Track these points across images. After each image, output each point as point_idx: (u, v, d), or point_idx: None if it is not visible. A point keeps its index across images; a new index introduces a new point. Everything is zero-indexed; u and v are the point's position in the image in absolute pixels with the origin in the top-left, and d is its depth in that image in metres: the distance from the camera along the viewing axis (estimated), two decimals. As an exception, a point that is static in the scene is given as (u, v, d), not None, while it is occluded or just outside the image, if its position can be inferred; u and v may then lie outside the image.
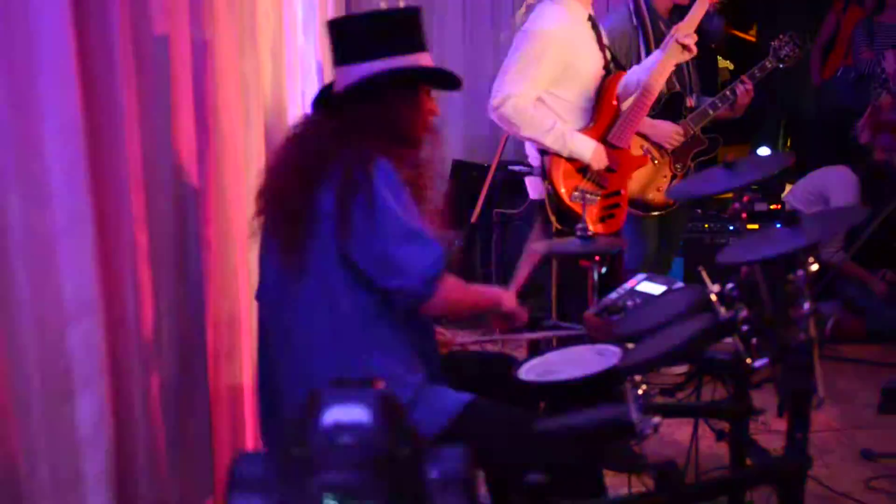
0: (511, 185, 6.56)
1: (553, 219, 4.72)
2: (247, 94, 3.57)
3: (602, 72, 4.86)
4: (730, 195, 6.78)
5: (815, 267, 2.58)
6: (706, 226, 6.57)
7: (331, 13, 5.74)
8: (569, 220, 4.64)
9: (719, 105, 5.25)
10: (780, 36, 5.24)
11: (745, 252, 2.72)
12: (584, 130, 4.81)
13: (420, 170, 3.09)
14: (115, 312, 2.37)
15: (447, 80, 3.11)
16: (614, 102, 4.85)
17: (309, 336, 2.89)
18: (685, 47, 4.79)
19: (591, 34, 4.84)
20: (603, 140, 4.82)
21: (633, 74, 4.96)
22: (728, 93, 5.24)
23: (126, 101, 2.48)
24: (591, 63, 4.83)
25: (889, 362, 5.76)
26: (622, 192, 4.92)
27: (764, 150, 7.18)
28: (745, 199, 3.20)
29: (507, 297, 3.24)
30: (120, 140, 2.44)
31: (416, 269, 2.84)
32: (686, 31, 4.80)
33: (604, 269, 3.79)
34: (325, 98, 3.11)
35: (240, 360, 3.32)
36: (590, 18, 4.84)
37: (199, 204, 3.09)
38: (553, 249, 4.35)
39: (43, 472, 2.19)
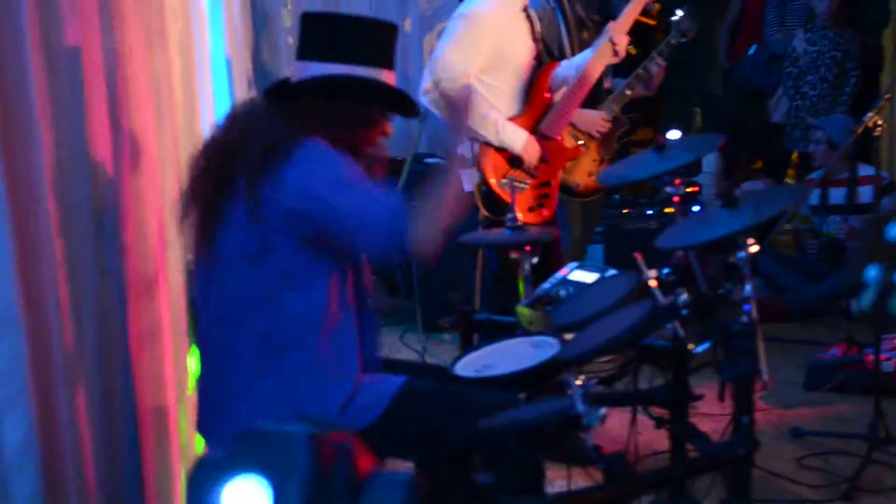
0: (426, 177, 6.49)
1: (481, 206, 4.66)
2: (158, 94, 3.46)
3: (534, 62, 4.84)
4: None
5: (755, 248, 2.56)
6: (625, 211, 6.57)
7: (237, 10, 5.64)
8: (497, 208, 4.59)
9: (635, 84, 5.24)
10: (677, 11, 5.26)
11: (684, 236, 2.69)
12: (516, 119, 4.78)
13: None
14: (37, 327, 2.25)
15: (405, 106, 2.99)
16: (546, 93, 4.84)
17: (237, 318, 2.80)
18: (615, 50, 4.78)
19: (525, 25, 4.82)
20: (535, 130, 4.79)
21: (562, 70, 4.94)
22: (642, 71, 5.23)
23: (39, 109, 2.36)
24: (523, 52, 4.80)
25: (810, 340, 5.80)
26: (552, 182, 4.90)
27: (675, 133, 7.25)
28: (677, 182, 3.16)
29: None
30: (34, 147, 2.32)
31: (378, 217, 2.68)
32: (619, 32, 4.81)
33: (535, 260, 3.74)
34: (276, 89, 2.98)
35: (162, 371, 3.22)
36: (524, 9, 4.82)
37: (116, 208, 2.97)
38: (483, 240, 4.30)
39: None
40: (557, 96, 4.89)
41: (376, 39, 2.94)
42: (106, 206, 2.91)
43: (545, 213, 4.85)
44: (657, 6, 4.99)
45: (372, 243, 2.72)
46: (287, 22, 7.58)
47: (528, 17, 4.85)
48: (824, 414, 4.85)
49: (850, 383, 5.01)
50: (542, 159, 4.81)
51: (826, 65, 7.03)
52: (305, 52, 2.93)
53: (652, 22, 5.13)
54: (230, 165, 2.80)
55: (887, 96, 4.27)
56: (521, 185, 4.71)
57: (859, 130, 4.30)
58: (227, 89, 5.11)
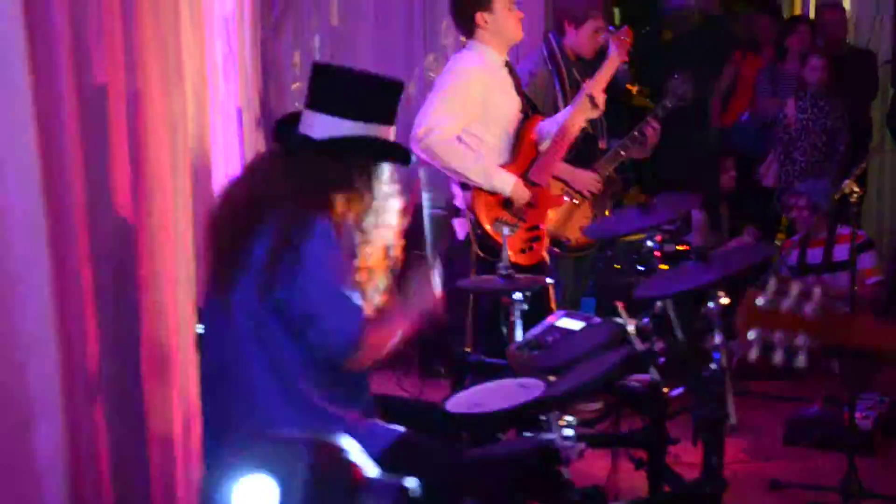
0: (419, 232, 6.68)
1: (477, 249, 4.86)
2: (174, 138, 3.63)
3: (520, 114, 5.07)
4: (641, 236, 7.03)
5: (725, 300, 2.75)
6: (616, 266, 6.76)
7: (248, 60, 5.84)
8: (492, 250, 4.76)
9: (630, 146, 5.45)
10: (675, 76, 5.48)
11: (659, 287, 2.89)
12: (504, 167, 4.99)
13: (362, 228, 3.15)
14: (66, 348, 2.45)
15: (400, 156, 3.23)
16: (533, 144, 5.08)
17: (244, 374, 2.99)
18: (594, 104, 5.02)
19: (508, 79, 5.05)
20: (523, 177, 5.00)
21: (546, 125, 5.16)
22: (637, 133, 5.44)
23: (71, 148, 2.57)
24: (509, 106, 5.03)
25: (792, 396, 5.96)
26: (541, 226, 5.11)
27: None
28: (658, 238, 3.36)
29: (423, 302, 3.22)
30: (68, 184, 2.53)
31: (340, 335, 2.97)
32: (596, 88, 5.06)
33: (525, 306, 3.92)
34: (288, 133, 3.21)
35: (170, 398, 3.38)
36: (506, 64, 5.05)
37: (134, 244, 3.16)
38: (476, 286, 4.50)
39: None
40: (542, 147, 5.12)
41: (384, 97, 3.18)
42: (126, 243, 3.10)
43: (535, 255, 5.04)
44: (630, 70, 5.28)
45: (326, 350, 3.00)
46: (296, 70, 7.78)
47: (511, 71, 5.07)
48: (803, 467, 5.00)
49: (827, 439, 5.15)
50: (531, 204, 5.01)
51: (816, 132, 7.23)
52: (316, 103, 3.16)
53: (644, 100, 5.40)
54: (251, 225, 3.02)
55: (862, 165, 4.47)
56: (512, 227, 4.89)
57: (837, 196, 4.49)
58: (237, 134, 5.31)
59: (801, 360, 1.81)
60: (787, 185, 7.35)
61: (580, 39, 5.64)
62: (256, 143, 5.53)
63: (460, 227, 5.08)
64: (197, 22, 4.11)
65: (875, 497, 4.43)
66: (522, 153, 5.05)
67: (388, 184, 3.19)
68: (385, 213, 3.17)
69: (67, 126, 2.57)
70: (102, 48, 2.89)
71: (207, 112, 4.36)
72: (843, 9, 8.24)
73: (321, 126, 3.12)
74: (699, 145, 7.88)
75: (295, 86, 7.57)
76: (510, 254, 4.10)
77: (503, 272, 4.00)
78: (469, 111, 4.87)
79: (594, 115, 5.14)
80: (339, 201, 3.03)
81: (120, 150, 3.05)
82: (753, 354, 1.84)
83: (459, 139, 4.86)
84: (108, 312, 2.81)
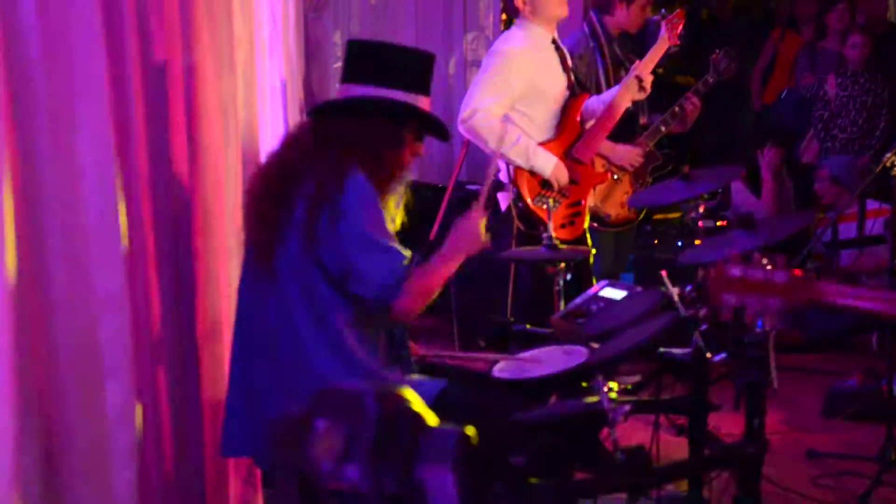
0: (467, 203, 6.73)
1: (518, 222, 4.96)
2: (226, 115, 3.74)
3: (566, 92, 5.15)
4: (678, 214, 7.09)
5: (769, 266, 2.81)
6: (655, 241, 6.83)
7: (292, 40, 5.93)
8: (532, 223, 4.93)
9: (670, 121, 5.50)
10: (717, 51, 5.52)
11: (703, 254, 2.96)
12: (549, 143, 5.08)
13: (392, 185, 3.23)
14: (135, 309, 2.58)
15: (435, 127, 3.27)
16: (578, 121, 5.16)
17: (294, 337, 3.08)
18: (641, 86, 5.12)
19: (555, 56, 5.13)
20: (566, 154, 5.09)
21: (592, 103, 5.26)
22: (677, 109, 5.49)
23: (136, 120, 2.69)
24: (555, 83, 5.12)
25: (827, 370, 6.02)
26: (582, 202, 5.19)
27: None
28: (702, 208, 3.43)
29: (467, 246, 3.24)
30: (133, 153, 2.65)
31: (375, 279, 3.02)
32: (645, 69, 5.16)
33: (569, 276, 4.01)
34: (320, 108, 3.32)
35: (222, 364, 3.49)
36: (553, 42, 5.12)
37: (190, 216, 3.27)
38: (522, 257, 4.58)
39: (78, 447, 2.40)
40: (587, 125, 5.21)
41: (414, 66, 3.22)
42: (182, 214, 3.21)
43: (576, 229, 5.14)
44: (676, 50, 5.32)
45: (365, 300, 3.05)
46: (337, 51, 7.89)
47: (558, 48, 5.14)
48: (840, 439, 5.04)
49: (866, 412, 5.19)
50: (573, 181, 5.10)
51: (857, 109, 7.26)
52: (348, 75, 3.24)
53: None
54: (288, 189, 3.09)
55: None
56: (555, 204, 4.99)
57: (878, 169, 4.53)
58: (281, 113, 5.41)
59: (770, 321, 1.99)
60: (828, 161, 7.39)
61: (631, 15, 5.69)
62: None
63: (503, 200, 5.16)
64: (246, 4, 4.21)
65: (914, 467, 4.48)
66: (568, 130, 5.13)
67: (415, 151, 3.23)
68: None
69: (134, 101, 2.69)
70: (162, 29, 3.01)
71: (255, 92, 4.46)
72: (885, -14, 8.25)
73: (351, 93, 3.19)
74: (740, 122, 7.94)
75: (336, 66, 7.68)
76: (551, 228, 4.17)
77: (547, 242, 4.08)
78: (514, 91, 4.95)
79: (640, 96, 5.23)
80: (369, 157, 3.09)
81: (178, 126, 3.16)
82: (725, 315, 2.11)
83: (506, 118, 4.93)
84: (168, 279, 2.93)
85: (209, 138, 3.47)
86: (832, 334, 6.35)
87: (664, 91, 6.57)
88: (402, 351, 3.35)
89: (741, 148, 8.30)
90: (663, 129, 5.52)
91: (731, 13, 8.60)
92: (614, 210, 5.53)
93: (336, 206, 2.99)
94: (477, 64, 7.79)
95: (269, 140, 4.82)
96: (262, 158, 4.51)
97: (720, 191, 7.08)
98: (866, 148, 7.21)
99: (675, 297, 2.98)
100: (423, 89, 3.21)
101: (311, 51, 7.70)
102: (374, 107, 3.14)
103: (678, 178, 3.59)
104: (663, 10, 5.49)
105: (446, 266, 3.17)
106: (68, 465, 2.41)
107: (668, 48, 5.27)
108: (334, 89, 7.61)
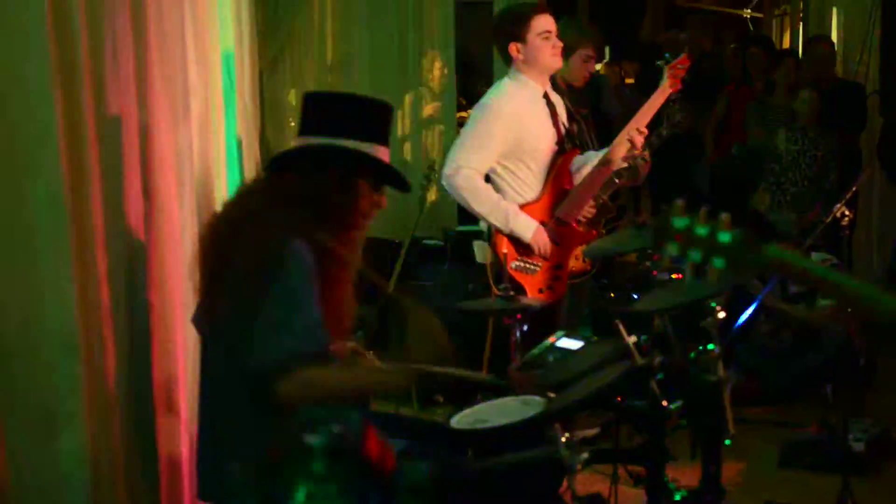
0: (423, 257, 6.78)
1: (491, 283, 4.87)
2: (181, 167, 3.74)
3: (555, 147, 5.02)
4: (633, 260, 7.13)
5: (722, 314, 2.84)
6: (612, 295, 6.85)
7: (248, 93, 5.96)
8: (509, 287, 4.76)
9: (623, 173, 5.49)
10: (671, 104, 5.53)
11: (657, 302, 2.98)
12: (533, 204, 4.97)
13: (345, 249, 3.12)
14: (90, 357, 2.55)
15: (393, 177, 3.20)
16: (566, 180, 5.03)
17: (227, 389, 2.99)
18: (633, 145, 4.94)
19: (545, 111, 5.01)
20: (552, 214, 4.99)
21: (581, 160, 5.14)
22: (631, 163, 5.48)
23: (92, 172, 2.68)
24: (543, 139, 4.99)
25: (785, 421, 6.05)
26: (563, 265, 5.07)
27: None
28: (655, 257, 3.46)
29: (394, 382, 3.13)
30: (93, 205, 2.65)
31: (268, 350, 2.84)
32: (643, 121, 4.99)
33: (525, 327, 4.01)
34: (274, 161, 3.25)
35: (178, 416, 3.47)
36: (545, 96, 5.02)
37: (145, 269, 3.26)
38: (476, 309, 4.58)
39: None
40: (575, 183, 5.07)
41: (370, 116, 3.16)
42: (137, 267, 3.20)
43: (553, 294, 5.01)
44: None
45: (247, 362, 2.87)
46: (293, 104, 7.91)
47: (549, 103, 5.03)
48: (798, 489, 5.07)
49: (822, 461, 5.22)
50: (556, 243, 4.99)
51: (807, 163, 7.35)
52: (304, 127, 3.17)
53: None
54: (230, 245, 3.00)
55: (854, 188, 4.58)
56: (533, 268, 4.93)
57: (827, 220, 4.60)
58: (237, 167, 5.42)
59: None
60: (779, 215, 7.46)
61: (571, 68, 5.71)
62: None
63: (479, 252, 5.09)
64: (202, 58, 4.23)
65: (869, 516, 4.51)
66: (552, 189, 5.00)
67: (374, 202, 3.14)
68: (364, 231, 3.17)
69: (89, 154, 2.68)
70: (118, 82, 3.01)
71: (210, 144, 4.47)
72: (832, 42, 8.41)
73: (303, 144, 3.14)
74: (694, 176, 8.03)
75: (292, 123, 7.71)
76: (529, 293, 4.13)
77: (502, 294, 4.08)
78: (499, 146, 4.86)
79: (635, 153, 5.01)
80: (315, 219, 3.01)
81: (133, 179, 3.15)
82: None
83: (491, 173, 4.88)
84: (123, 333, 2.91)
85: (163, 191, 3.46)
86: (787, 386, 6.38)
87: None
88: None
89: (697, 199, 8.36)
90: (617, 181, 5.53)
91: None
92: (572, 262, 5.52)
93: (268, 274, 2.88)
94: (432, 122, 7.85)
95: (225, 194, 4.82)
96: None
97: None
98: (816, 202, 7.30)
99: (632, 347, 2.99)
100: (381, 139, 3.14)
101: (267, 108, 7.75)
102: (328, 156, 3.07)
103: (634, 227, 3.61)
104: (666, 55, 5.25)
105: (364, 379, 3.13)
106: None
107: (670, 96, 5.09)
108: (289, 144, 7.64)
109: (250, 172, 5.61)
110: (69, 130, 2.58)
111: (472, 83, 8.93)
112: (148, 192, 3.31)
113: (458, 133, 7.73)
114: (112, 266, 2.82)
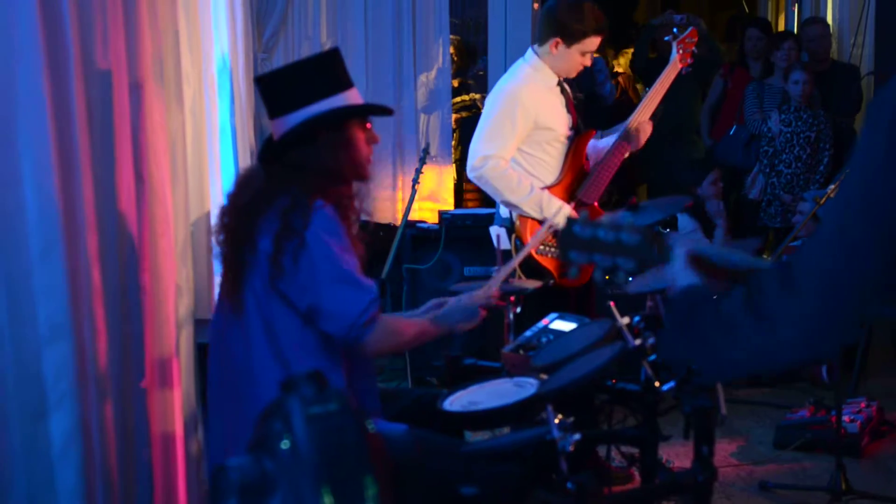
0: (417, 241, 6.78)
1: (519, 271, 4.79)
2: (174, 151, 3.74)
3: (570, 132, 4.97)
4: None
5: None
6: (606, 277, 6.86)
7: (241, 75, 5.94)
8: (533, 271, 4.76)
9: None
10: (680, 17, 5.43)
11: (650, 283, 2.97)
12: (553, 187, 4.93)
13: (360, 202, 3.28)
14: (80, 340, 2.55)
15: (376, 111, 3.32)
16: (585, 162, 5.02)
17: (252, 371, 3.06)
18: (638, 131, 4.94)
19: (560, 97, 4.98)
20: (573, 196, 4.96)
21: (597, 143, 5.11)
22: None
23: (81, 150, 2.68)
24: (559, 123, 4.94)
25: (777, 403, 6.09)
26: None
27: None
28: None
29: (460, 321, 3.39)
30: (81, 190, 2.65)
31: (344, 317, 3.04)
32: (656, 99, 5.00)
33: (518, 309, 4.01)
34: (266, 150, 3.30)
35: (171, 396, 3.48)
36: (559, 83, 4.98)
37: (138, 252, 3.26)
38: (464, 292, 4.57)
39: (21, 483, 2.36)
40: (592, 164, 5.04)
41: (325, 69, 3.25)
42: (129, 250, 3.20)
43: (583, 276, 4.91)
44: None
45: (335, 336, 3.09)
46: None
47: (563, 90, 5.00)
48: (791, 470, 5.11)
49: (816, 442, 5.26)
50: None
51: (800, 144, 7.35)
52: (275, 109, 3.24)
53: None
54: (250, 228, 3.09)
55: (847, 170, 4.57)
56: (557, 251, 4.90)
57: (821, 201, 4.61)
58: (231, 151, 5.41)
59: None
60: (773, 197, 7.47)
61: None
62: (250, 160, 5.63)
63: (502, 238, 5.05)
64: (195, 42, 4.23)
65: (863, 496, 4.53)
66: (572, 171, 4.98)
67: (368, 138, 3.27)
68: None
69: (79, 136, 2.68)
70: (109, 65, 3.01)
71: (204, 129, 4.47)
72: (826, 24, 8.40)
73: (284, 126, 3.21)
74: (689, 159, 8.00)
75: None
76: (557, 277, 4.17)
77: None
78: (520, 132, 4.83)
79: (648, 129, 5.00)
80: (331, 180, 3.14)
81: (125, 162, 3.15)
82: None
83: (514, 160, 4.86)
84: (115, 314, 2.91)
85: (156, 176, 3.46)
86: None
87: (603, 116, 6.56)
88: (368, 380, 3.34)
89: (687, 182, 8.36)
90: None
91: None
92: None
93: (302, 239, 3.00)
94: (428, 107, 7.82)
95: (218, 179, 4.83)
96: (211, 196, 4.54)
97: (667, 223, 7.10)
98: (811, 183, 7.31)
99: (624, 328, 3.00)
100: (344, 85, 3.24)
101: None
102: (312, 127, 3.16)
103: (626, 209, 3.62)
104: (675, 30, 5.21)
105: (431, 327, 3.32)
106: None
107: (680, 71, 5.08)
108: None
109: (244, 156, 5.59)
110: (58, 111, 2.57)
111: (467, 67, 8.91)
112: (140, 175, 3.31)
113: (453, 117, 7.82)
114: (103, 248, 2.82)
